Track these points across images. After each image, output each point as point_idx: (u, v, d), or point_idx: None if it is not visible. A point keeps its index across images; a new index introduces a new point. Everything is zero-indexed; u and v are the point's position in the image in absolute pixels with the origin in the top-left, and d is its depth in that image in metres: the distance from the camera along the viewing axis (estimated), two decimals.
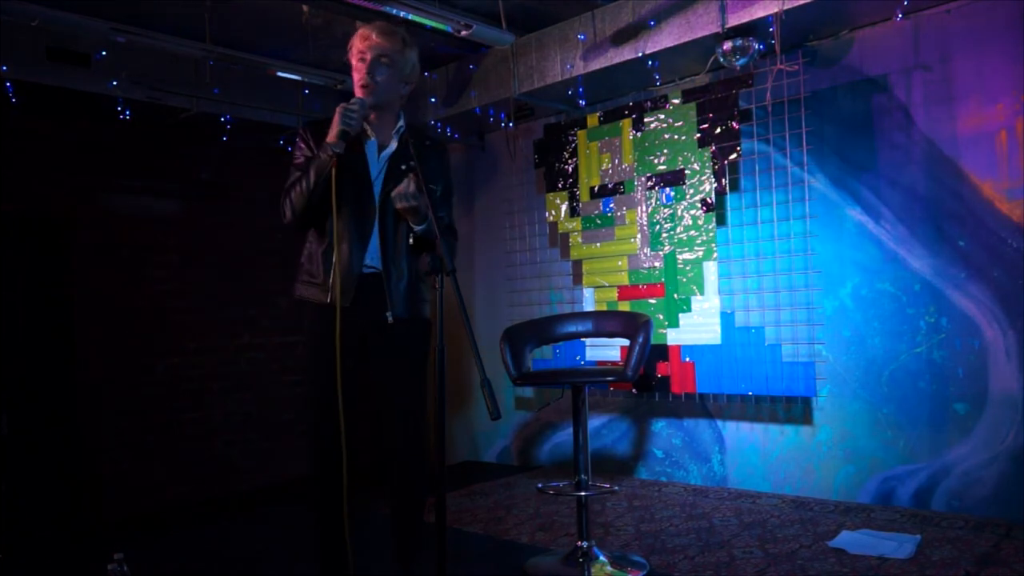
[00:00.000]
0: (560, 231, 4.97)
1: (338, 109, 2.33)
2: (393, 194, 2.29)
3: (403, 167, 2.41)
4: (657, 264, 4.48)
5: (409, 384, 2.46)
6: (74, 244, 4.39)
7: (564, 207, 4.94)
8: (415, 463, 2.47)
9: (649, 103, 4.52)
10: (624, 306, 4.59)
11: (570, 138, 4.89)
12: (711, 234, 4.26)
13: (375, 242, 2.40)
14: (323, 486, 2.41)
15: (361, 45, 2.38)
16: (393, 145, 2.46)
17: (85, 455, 4.35)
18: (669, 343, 4.38)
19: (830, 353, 3.89)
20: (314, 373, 2.38)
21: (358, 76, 2.39)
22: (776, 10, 3.46)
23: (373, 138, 2.46)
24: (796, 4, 3.41)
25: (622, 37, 4.01)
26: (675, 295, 4.39)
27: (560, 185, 4.95)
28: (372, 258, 2.41)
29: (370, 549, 2.44)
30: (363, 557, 2.56)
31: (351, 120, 2.31)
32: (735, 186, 4.15)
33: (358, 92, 2.40)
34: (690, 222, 4.34)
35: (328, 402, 2.32)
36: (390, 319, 2.39)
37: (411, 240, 2.33)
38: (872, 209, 3.79)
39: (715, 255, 4.24)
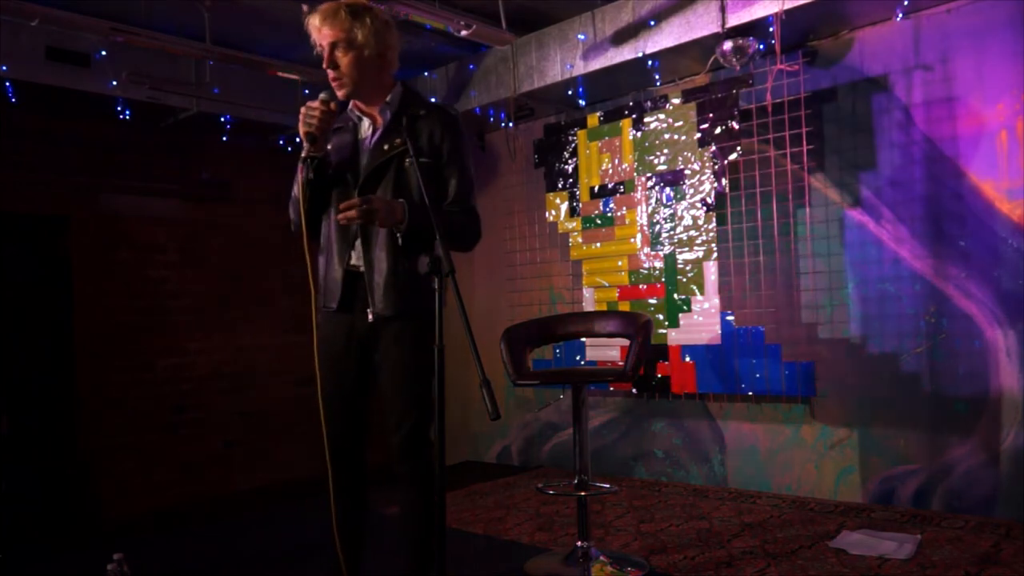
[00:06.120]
0: (560, 231, 4.96)
1: (302, 110, 2.16)
2: (340, 214, 2.14)
3: (385, 147, 2.26)
4: (657, 264, 4.48)
5: (404, 384, 2.32)
6: (74, 244, 4.39)
7: (564, 207, 4.94)
8: (415, 467, 2.33)
9: (649, 103, 4.52)
10: (624, 306, 4.59)
11: (570, 138, 4.89)
12: (711, 234, 4.26)
13: (359, 240, 2.27)
14: (337, 487, 2.35)
15: (316, 36, 2.22)
16: (382, 126, 2.31)
17: (85, 455, 4.35)
18: (669, 343, 4.38)
19: (830, 353, 3.89)
20: (321, 378, 2.28)
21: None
22: (776, 10, 3.46)
23: (366, 122, 2.32)
24: (796, 4, 3.41)
25: (622, 37, 4.01)
26: (675, 295, 4.39)
27: (560, 185, 4.95)
28: (358, 257, 2.28)
29: (385, 549, 2.43)
30: (379, 558, 2.55)
31: (311, 121, 2.14)
32: (735, 186, 4.15)
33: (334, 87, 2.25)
34: (690, 222, 4.34)
35: (333, 404, 2.30)
36: (371, 318, 2.27)
37: (399, 237, 2.18)
38: (872, 209, 3.79)
39: (715, 255, 4.24)
